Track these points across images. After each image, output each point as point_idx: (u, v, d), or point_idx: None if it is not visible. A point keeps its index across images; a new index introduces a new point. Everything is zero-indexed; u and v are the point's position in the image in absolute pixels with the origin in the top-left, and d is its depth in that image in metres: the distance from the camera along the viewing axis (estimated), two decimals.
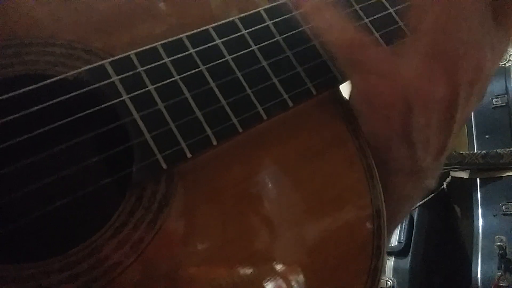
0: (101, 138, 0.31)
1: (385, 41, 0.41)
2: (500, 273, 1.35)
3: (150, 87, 0.33)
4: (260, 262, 0.33)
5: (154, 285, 0.30)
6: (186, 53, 0.35)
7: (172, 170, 0.32)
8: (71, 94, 0.31)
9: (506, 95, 1.58)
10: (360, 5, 0.42)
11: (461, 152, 1.55)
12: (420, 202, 1.48)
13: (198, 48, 0.36)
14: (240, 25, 0.37)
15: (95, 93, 0.32)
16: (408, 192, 0.42)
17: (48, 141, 0.30)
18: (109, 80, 0.33)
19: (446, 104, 0.35)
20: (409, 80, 0.35)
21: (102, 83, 0.32)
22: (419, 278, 1.51)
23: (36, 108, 0.30)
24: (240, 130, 0.34)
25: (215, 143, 0.33)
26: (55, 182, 0.29)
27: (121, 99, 0.32)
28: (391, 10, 0.43)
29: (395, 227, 0.47)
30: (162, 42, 0.35)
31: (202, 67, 0.35)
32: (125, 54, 0.34)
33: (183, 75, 0.34)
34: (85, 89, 0.32)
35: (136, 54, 0.34)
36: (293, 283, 0.33)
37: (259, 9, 0.39)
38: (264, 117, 0.36)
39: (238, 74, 0.36)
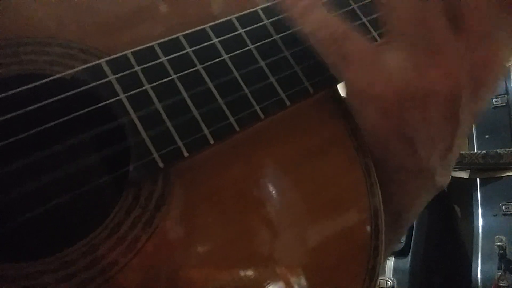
0: (98, 138, 0.31)
1: (373, 27, 0.41)
2: (500, 273, 1.35)
3: (147, 86, 0.33)
4: (259, 262, 0.33)
5: (151, 285, 0.30)
6: (183, 52, 0.35)
7: (169, 169, 0.32)
8: (68, 93, 0.31)
9: (506, 95, 1.58)
10: (357, 4, 0.42)
11: (461, 152, 1.55)
12: None
13: (195, 47, 0.36)
14: (237, 24, 0.37)
15: (92, 92, 0.32)
16: (414, 190, 0.41)
17: (45, 140, 0.30)
18: (106, 79, 0.33)
19: (445, 99, 0.35)
20: (397, 72, 0.34)
21: (98, 82, 0.32)
22: (419, 278, 1.51)
23: (32, 107, 0.30)
24: (238, 129, 0.34)
25: (212, 142, 0.33)
26: (51, 182, 0.29)
27: (117, 98, 0.32)
28: None
29: (406, 226, 0.46)
30: (159, 41, 0.35)
31: (199, 66, 0.35)
32: (121, 53, 0.34)
33: (180, 74, 0.34)
34: (81, 88, 0.32)
35: (132, 53, 0.34)
36: (292, 282, 0.33)
37: (256, 8, 0.39)
38: (262, 116, 0.35)
39: (235, 73, 0.36)
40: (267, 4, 0.39)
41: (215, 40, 0.36)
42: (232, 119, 0.34)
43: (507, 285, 1.33)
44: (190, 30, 0.36)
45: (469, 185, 1.59)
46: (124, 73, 0.33)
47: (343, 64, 0.36)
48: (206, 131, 0.33)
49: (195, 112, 0.34)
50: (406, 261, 1.51)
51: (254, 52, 0.37)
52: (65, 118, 0.31)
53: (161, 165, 0.32)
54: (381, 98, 0.35)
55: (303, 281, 0.33)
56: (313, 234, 0.35)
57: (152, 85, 0.33)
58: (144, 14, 0.38)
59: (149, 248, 0.30)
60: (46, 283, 0.28)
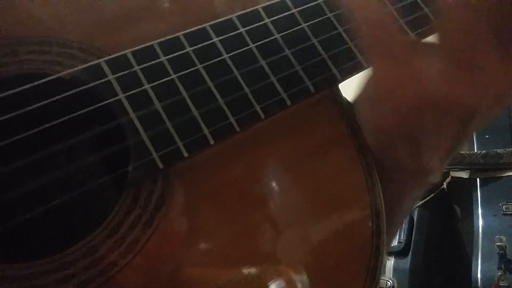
0: (97, 138, 0.31)
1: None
2: (500, 273, 1.35)
3: (147, 86, 0.33)
4: (260, 262, 0.33)
5: (152, 285, 0.30)
6: (183, 51, 0.35)
7: (169, 170, 0.32)
8: (67, 93, 0.31)
9: None
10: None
11: (461, 152, 1.55)
12: (420, 202, 1.47)
13: (195, 47, 0.35)
14: (237, 23, 0.37)
15: (91, 92, 0.32)
16: (411, 190, 0.42)
17: (44, 140, 0.30)
18: (105, 79, 0.32)
19: (466, 114, 0.34)
20: (429, 78, 0.34)
21: (98, 82, 0.32)
22: (419, 278, 1.51)
23: (32, 107, 0.30)
24: (238, 129, 0.34)
25: (212, 142, 0.33)
26: (51, 182, 0.29)
27: (117, 98, 0.32)
28: None
29: (398, 223, 0.46)
30: (159, 40, 0.35)
31: (199, 66, 0.35)
32: (121, 53, 0.33)
33: (180, 74, 0.34)
34: (80, 88, 0.32)
35: (132, 52, 0.34)
36: (293, 282, 0.33)
37: (257, 7, 0.39)
38: (262, 116, 0.35)
39: (236, 72, 0.36)
40: (268, 3, 0.39)
41: (215, 39, 0.36)
42: (232, 119, 0.34)
43: (507, 285, 1.32)
44: (190, 29, 0.36)
45: (469, 185, 1.59)
46: (124, 72, 0.33)
47: (377, 51, 0.36)
48: (206, 131, 0.33)
49: (195, 112, 0.33)
50: (406, 261, 1.51)
51: (255, 51, 0.37)
52: (65, 118, 0.30)
53: (160, 165, 0.31)
54: (403, 98, 0.34)
55: (304, 280, 0.33)
56: (314, 234, 0.35)
57: (152, 84, 0.33)
58: (144, 13, 0.38)
59: (149, 248, 0.30)
60: (46, 283, 0.27)
